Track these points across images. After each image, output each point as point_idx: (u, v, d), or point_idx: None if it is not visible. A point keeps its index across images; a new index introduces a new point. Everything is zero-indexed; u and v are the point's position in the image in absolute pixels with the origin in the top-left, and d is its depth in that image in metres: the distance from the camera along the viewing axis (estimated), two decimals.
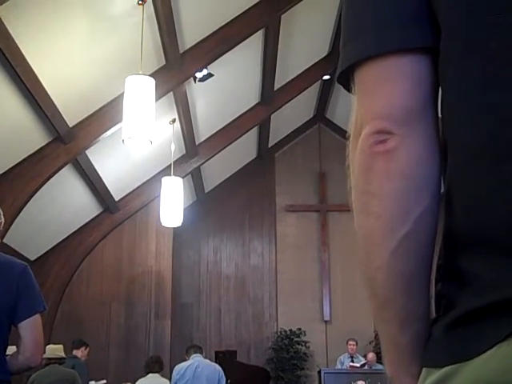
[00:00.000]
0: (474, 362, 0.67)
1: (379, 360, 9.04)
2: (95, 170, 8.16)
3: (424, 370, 0.77)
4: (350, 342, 9.72)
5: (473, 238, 0.72)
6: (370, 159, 0.79)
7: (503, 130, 0.69)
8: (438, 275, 0.79)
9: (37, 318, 2.54)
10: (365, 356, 9.62)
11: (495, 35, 0.71)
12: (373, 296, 0.82)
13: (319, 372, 9.16)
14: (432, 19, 0.78)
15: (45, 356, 5.84)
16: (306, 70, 9.60)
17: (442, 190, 0.80)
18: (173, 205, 8.15)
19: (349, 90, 0.84)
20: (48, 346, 5.94)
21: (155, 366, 6.96)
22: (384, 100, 0.78)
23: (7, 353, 2.56)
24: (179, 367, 7.08)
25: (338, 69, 0.84)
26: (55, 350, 5.94)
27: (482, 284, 0.69)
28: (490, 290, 0.67)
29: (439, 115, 0.81)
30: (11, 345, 2.54)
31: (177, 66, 7.25)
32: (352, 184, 0.83)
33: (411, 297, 0.80)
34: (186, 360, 7.26)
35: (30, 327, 2.51)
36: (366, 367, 9.20)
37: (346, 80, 0.84)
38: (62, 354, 5.95)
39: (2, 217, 2.72)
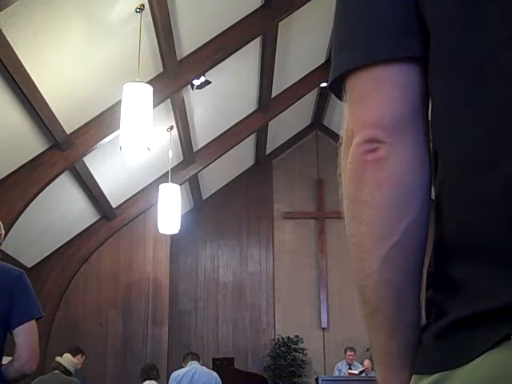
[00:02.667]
0: (464, 369, 0.68)
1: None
2: (93, 177, 8.15)
3: (414, 376, 0.77)
4: (349, 352, 9.71)
5: (462, 246, 0.72)
6: (360, 168, 0.79)
7: (489, 141, 0.69)
8: (428, 282, 0.80)
9: (32, 324, 2.51)
10: (362, 363, 9.60)
11: (479, 49, 0.72)
12: (363, 303, 0.83)
13: (317, 379, 9.13)
14: (422, 29, 0.78)
15: (57, 359, 5.86)
16: (303, 78, 9.62)
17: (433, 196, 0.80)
18: (170, 212, 8.14)
19: (340, 98, 0.85)
20: (67, 354, 5.97)
21: (152, 372, 6.95)
22: (374, 109, 0.79)
23: (3, 363, 2.54)
24: (176, 374, 7.06)
25: (330, 77, 0.85)
26: (70, 362, 5.95)
27: (471, 292, 0.70)
28: (478, 298, 0.68)
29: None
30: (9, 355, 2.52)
31: (174, 74, 7.26)
32: (343, 192, 0.84)
33: (401, 304, 0.80)
34: (183, 367, 7.24)
35: (24, 333, 2.48)
36: (363, 374, 9.19)
37: (338, 88, 0.85)
38: (72, 370, 5.94)
39: (2, 229, 2.72)
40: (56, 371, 5.81)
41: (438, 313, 0.75)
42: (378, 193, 0.78)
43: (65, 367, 5.82)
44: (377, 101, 0.79)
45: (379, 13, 0.81)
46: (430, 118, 0.81)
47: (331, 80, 0.84)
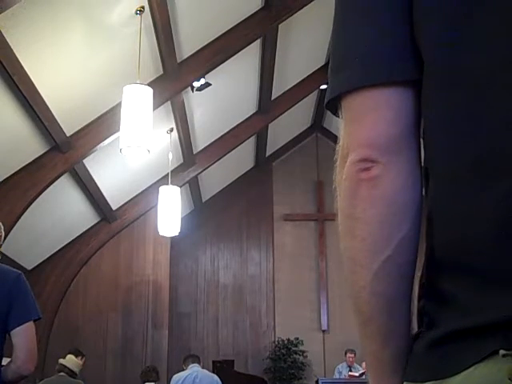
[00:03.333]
0: (453, 379, 0.72)
1: None
2: (93, 180, 8.15)
3: (405, 383, 0.81)
4: (349, 354, 9.70)
5: (451, 262, 0.76)
6: (354, 185, 0.83)
7: (480, 162, 0.73)
8: (421, 293, 0.84)
9: (29, 325, 2.51)
10: (361, 365, 9.59)
11: (471, 73, 0.75)
12: (357, 312, 0.86)
13: (317, 382, 9.12)
14: (416, 52, 0.82)
15: (61, 361, 5.85)
16: (303, 80, 9.63)
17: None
18: (170, 214, 8.14)
19: (336, 115, 0.89)
20: (70, 356, 5.95)
21: (151, 375, 6.94)
22: (368, 129, 0.82)
23: (3, 363, 2.54)
24: (177, 377, 7.05)
25: (327, 96, 0.88)
26: (74, 363, 5.94)
27: (461, 306, 0.73)
28: (468, 313, 0.72)
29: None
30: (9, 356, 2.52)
31: (174, 76, 7.26)
32: (338, 206, 0.87)
33: (392, 316, 0.84)
34: (183, 370, 7.23)
35: (22, 335, 2.47)
36: (364, 376, 9.18)
37: (334, 106, 0.88)
38: (77, 371, 5.93)
39: (3, 230, 2.72)
40: (61, 373, 5.80)
41: (430, 323, 0.79)
42: (371, 210, 0.81)
43: (69, 369, 5.81)
44: (372, 121, 0.82)
45: (376, 36, 0.84)
46: (422, 135, 0.84)
47: (328, 99, 0.88)
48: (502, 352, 0.67)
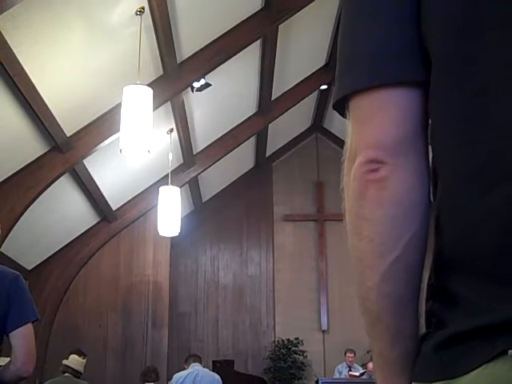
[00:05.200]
0: (462, 379, 0.72)
1: None
2: (93, 180, 8.16)
3: (413, 383, 0.81)
4: (349, 354, 9.70)
5: (459, 263, 0.76)
6: (362, 186, 0.83)
7: (489, 162, 0.73)
8: (429, 293, 0.84)
9: (28, 327, 2.50)
10: (363, 365, 9.59)
11: (480, 75, 0.75)
12: (365, 313, 0.87)
13: (317, 382, 9.12)
14: (424, 53, 0.82)
15: (64, 362, 5.85)
16: (303, 80, 9.63)
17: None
18: (170, 214, 8.15)
19: (343, 116, 0.88)
20: (73, 355, 5.94)
21: (150, 375, 6.94)
22: (376, 130, 0.82)
23: (0, 364, 2.54)
24: (178, 376, 7.06)
25: (334, 97, 0.88)
26: (78, 362, 5.93)
27: (469, 307, 0.73)
28: (476, 313, 0.72)
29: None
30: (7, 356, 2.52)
31: (174, 76, 7.26)
32: (346, 207, 0.87)
33: (400, 316, 0.84)
34: (184, 369, 7.24)
35: (20, 337, 2.47)
36: (364, 376, 9.18)
37: (341, 107, 0.88)
38: (81, 370, 5.92)
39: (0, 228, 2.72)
40: (66, 374, 5.80)
41: (438, 323, 0.79)
42: (378, 211, 0.82)
43: (74, 369, 5.81)
44: (380, 122, 0.82)
45: (383, 36, 0.83)
46: (430, 136, 0.84)
47: (335, 100, 0.87)
48: (510, 352, 0.68)
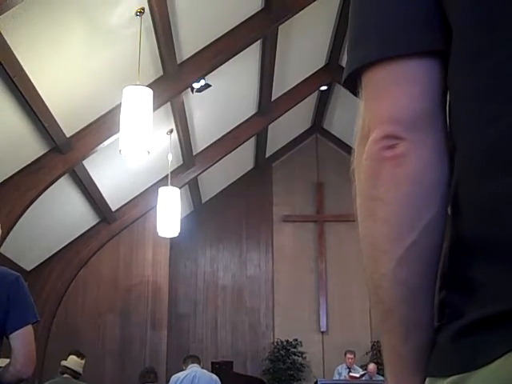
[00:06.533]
0: (482, 371, 0.66)
1: (379, 371, 9.02)
2: (92, 181, 8.15)
3: (428, 379, 0.76)
4: (349, 355, 9.69)
5: (480, 248, 0.70)
6: (378, 164, 0.77)
7: (507, 141, 0.68)
8: (442, 283, 0.78)
9: (28, 328, 2.50)
10: (362, 367, 9.59)
11: (504, 46, 0.70)
12: (377, 304, 0.81)
13: (316, 383, 9.13)
14: (443, 21, 0.76)
15: (63, 363, 5.84)
16: (303, 81, 9.63)
17: None
18: (170, 215, 8.14)
19: (355, 93, 0.83)
20: (71, 356, 5.93)
21: (149, 376, 6.93)
22: (393, 104, 0.77)
23: (0, 365, 2.53)
24: (176, 377, 7.05)
25: (345, 72, 0.82)
26: (76, 363, 5.91)
27: (492, 293, 0.68)
28: (499, 299, 0.66)
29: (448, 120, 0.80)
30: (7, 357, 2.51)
31: (174, 77, 7.26)
32: (357, 190, 0.81)
33: (416, 306, 0.78)
34: (182, 370, 7.23)
35: (20, 338, 2.47)
36: (364, 378, 9.18)
37: (353, 84, 0.82)
38: (80, 371, 5.91)
39: (0, 229, 2.71)
40: (65, 375, 5.79)
41: (453, 314, 0.73)
42: (395, 190, 0.76)
43: (73, 370, 5.80)
44: (396, 96, 0.77)
45: (399, 5, 0.78)
46: (448, 113, 0.79)
47: (346, 75, 0.82)
48: None
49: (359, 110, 0.81)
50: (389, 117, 0.77)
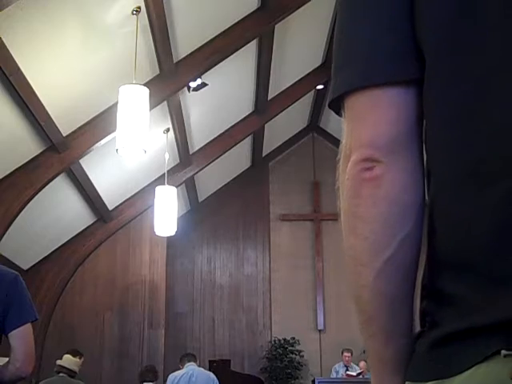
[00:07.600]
0: (456, 379, 0.72)
1: None
2: (89, 180, 8.15)
3: (407, 383, 0.81)
4: (346, 354, 9.70)
5: (453, 262, 0.76)
6: (357, 185, 0.83)
7: (484, 160, 0.72)
8: (423, 293, 0.83)
9: (27, 327, 2.50)
10: (358, 365, 9.60)
11: (475, 72, 0.75)
12: (359, 312, 0.87)
13: (313, 381, 9.14)
14: (418, 52, 0.82)
15: (58, 362, 5.84)
16: (299, 80, 9.64)
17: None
18: (167, 214, 8.14)
19: (339, 114, 0.89)
20: (67, 355, 5.93)
21: (147, 375, 6.93)
22: (371, 129, 0.82)
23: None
24: (173, 376, 7.05)
25: (329, 96, 0.88)
26: (71, 361, 5.91)
27: (464, 306, 0.73)
28: (469, 313, 0.72)
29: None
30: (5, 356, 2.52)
31: (171, 76, 7.26)
32: (341, 206, 0.87)
33: (394, 315, 0.84)
34: (179, 369, 7.23)
35: (19, 337, 2.47)
36: (361, 376, 9.19)
37: (337, 106, 0.88)
38: (76, 369, 5.91)
39: None
40: (61, 374, 5.79)
41: (432, 323, 0.79)
42: (373, 209, 0.82)
43: (68, 369, 5.80)
44: (374, 121, 0.82)
45: (376, 34, 0.84)
46: (424, 136, 0.84)
47: (330, 99, 0.88)
48: (503, 352, 0.67)
49: (343, 129, 0.87)
50: (367, 141, 0.82)
